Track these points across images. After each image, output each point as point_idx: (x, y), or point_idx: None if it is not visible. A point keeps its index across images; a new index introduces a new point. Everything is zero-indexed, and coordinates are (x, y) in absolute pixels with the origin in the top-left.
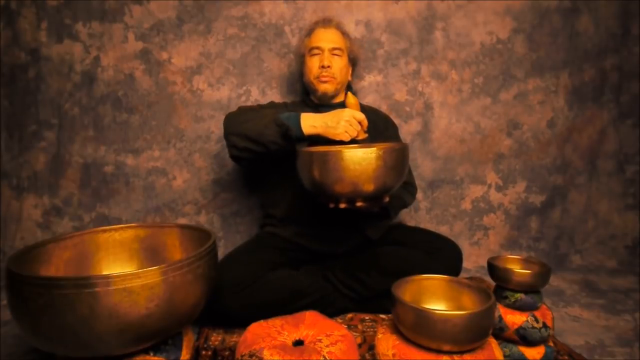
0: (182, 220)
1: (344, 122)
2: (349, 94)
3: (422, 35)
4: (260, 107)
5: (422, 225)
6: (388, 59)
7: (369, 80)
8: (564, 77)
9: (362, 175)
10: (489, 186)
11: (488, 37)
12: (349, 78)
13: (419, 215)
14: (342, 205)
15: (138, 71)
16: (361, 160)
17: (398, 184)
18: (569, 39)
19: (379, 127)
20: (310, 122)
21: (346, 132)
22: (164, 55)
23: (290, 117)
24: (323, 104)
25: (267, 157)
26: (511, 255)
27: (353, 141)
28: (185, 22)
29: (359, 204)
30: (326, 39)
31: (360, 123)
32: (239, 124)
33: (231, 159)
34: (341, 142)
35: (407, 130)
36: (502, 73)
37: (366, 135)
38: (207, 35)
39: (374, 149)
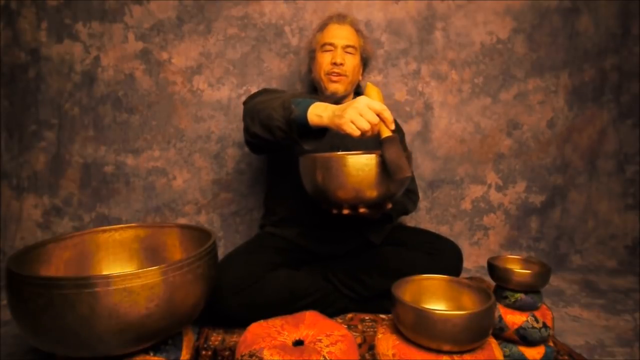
0: (182, 220)
1: (351, 109)
2: (369, 83)
3: (422, 35)
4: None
5: (422, 225)
6: (388, 59)
7: (369, 80)
8: (564, 77)
9: (364, 181)
10: (489, 186)
11: (488, 37)
12: (360, 77)
13: (419, 215)
14: (345, 212)
15: (138, 71)
16: (364, 166)
17: (401, 190)
18: (569, 39)
19: None
20: (318, 111)
21: (352, 122)
22: (164, 55)
23: (303, 101)
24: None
25: (277, 148)
26: (511, 255)
27: (363, 140)
28: (185, 22)
29: (362, 210)
30: (340, 35)
31: (380, 116)
32: (254, 105)
33: (246, 145)
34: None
35: (407, 130)
36: (502, 73)
37: (391, 134)
38: (207, 35)
39: (376, 154)
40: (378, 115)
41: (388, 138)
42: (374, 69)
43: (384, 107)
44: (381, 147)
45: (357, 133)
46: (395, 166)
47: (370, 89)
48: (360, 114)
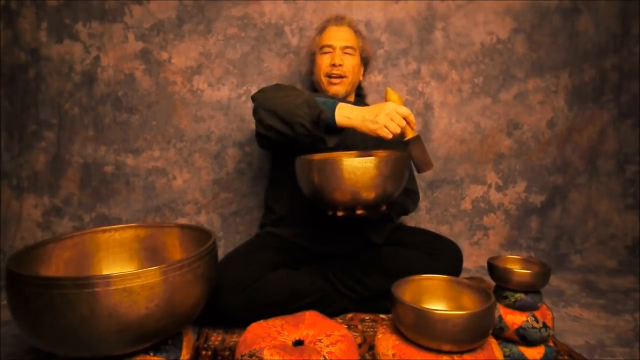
0: (182, 220)
1: (383, 115)
2: (389, 88)
3: (422, 35)
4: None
5: (422, 225)
6: (388, 59)
7: (369, 80)
8: (564, 77)
9: (359, 184)
10: (489, 186)
11: (488, 37)
12: (361, 78)
13: (419, 215)
14: (340, 214)
15: (138, 71)
16: (358, 170)
17: (397, 192)
18: (569, 39)
19: None
20: (346, 113)
21: (386, 126)
22: (164, 55)
23: (326, 102)
24: None
25: (291, 143)
26: (511, 255)
27: (396, 141)
28: (185, 22)
29: (359, 212)
30: (338, 37)
31: (406, 119)
32: (271, 99)
33: (256, 137)
34: (381, 140)
35: None
36: (502, 73)
37: (415, 133)
38: (207, 35)
39: (372, 158)
40: (405, 118)
41: (413, 138)
42: (374, 68)
43: (409, 111)
44: (407, 146)
45: (389, 136)
46: (422, 162)
47: (392, 94)
48: (392, 119)
